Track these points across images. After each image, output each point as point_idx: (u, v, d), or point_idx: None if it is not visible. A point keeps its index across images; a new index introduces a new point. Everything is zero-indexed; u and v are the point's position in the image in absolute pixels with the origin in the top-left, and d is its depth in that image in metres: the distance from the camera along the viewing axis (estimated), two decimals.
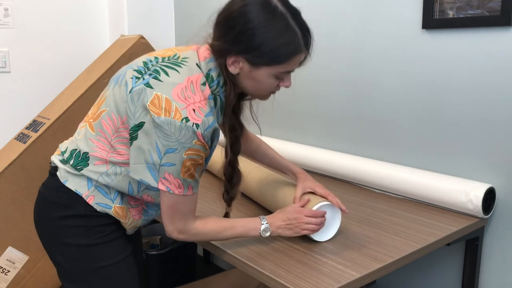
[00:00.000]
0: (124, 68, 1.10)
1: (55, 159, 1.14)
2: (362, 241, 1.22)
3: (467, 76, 1.44)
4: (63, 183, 1.09)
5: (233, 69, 1.03)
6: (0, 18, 2.36)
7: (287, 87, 1.07)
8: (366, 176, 1.62)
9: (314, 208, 1.17)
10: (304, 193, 1.24)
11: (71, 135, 1.98)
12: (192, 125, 0.95)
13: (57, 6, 2.52)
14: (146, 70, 1.02)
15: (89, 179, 1.09)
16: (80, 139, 1.10)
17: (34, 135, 1.95)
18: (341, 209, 1.21)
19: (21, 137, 2.02)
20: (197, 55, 1.05)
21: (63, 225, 1.09)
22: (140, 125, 0.98)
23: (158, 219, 1.45)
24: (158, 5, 2.64)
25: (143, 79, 1.00)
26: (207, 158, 1.07)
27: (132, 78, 1.02)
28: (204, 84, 1.02)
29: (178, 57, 1.04)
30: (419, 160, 1.60)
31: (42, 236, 1.15)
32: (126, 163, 1.06)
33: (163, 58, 1.04)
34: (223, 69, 1.04)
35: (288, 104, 2.06)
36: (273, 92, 1.09)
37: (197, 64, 1.03)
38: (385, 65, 1.66)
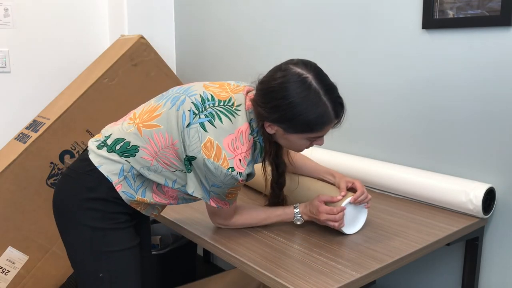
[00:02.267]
0: (180, 90, 1.19)
1: (92, 144, 1.21)
2: (362, 241, 1.22)
3: (467, 76, 1.44)
4: (97, 167, 1.15)
5: (269, 130, 1.14)
6: (0, 18, 2.36)
7: (320, 145, 1.19)
8: (366, 176, 1.62)
9: (343, 203, 1.23)
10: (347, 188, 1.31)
11: (71, 135, 1.99)
12: (236, 174, 1.09)
13: (57, 6, 2.52)
14: (203, 109, 1.12)
15: (122, 168, 1.16)
16: (130, 133, 1.17)
17: (34, 135, 1.94)
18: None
19: (21, 137, 2.02)
20: (245, 103, 1.16)
21: (83, 207, 1.16)
22: (194, 158, 1.10)
23: (158, 219, 1.45)
24: (158, 5, 2.64)
25: (199, 117, 1.11)
26: None
27: (189, 111, 1.12)
28: (251, 133, 1.14)
29: (233, 104, 1.14)
30: (419, 160, 1.60)
31: (58, 217, 1.22)
32: (169, 167, 1.16)
33: (219, 102, 1.14)
34: (260, 128, 1.16)
35: None
36: (307, 147, 1.19)
37: (245, 113, 1.14)
38: (385, 65, 1.66)
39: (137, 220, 1.25)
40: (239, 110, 1.13)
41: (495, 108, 1.39)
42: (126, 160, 1.16)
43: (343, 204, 1.22)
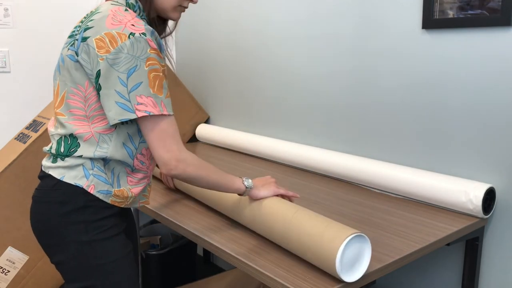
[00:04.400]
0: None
1: (46, 162, 1.16)
2: None
3: (467, 76, 1.44)
4: (60, 179, 1.09)
5: None
6: (0, 18, 2.36)
7: (194, 2, 1.18)
8: (366, 176, 1.62)
9: (348, 239, 0.99)
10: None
11: None
12: (140, 35, 1.03)
13: (57, 6, 2.52)
14: (76, 35, 1.09)
15: (85, 168, 1.10)
16: (58, 129, 1.13)
17: (34, 135, 1.95)
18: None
19: (21, 137, 2.02)
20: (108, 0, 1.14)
21: (62, 223, 1.09)
22: (98, 74, 1.03)
23: (157, 219, 1.45)
24: None
25: (76, 40, 1.07)
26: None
27: (69, 49, 1.09)
28: (126, 10, 1.09)
29: (92, 12, 1.11)
30: (419, 160, 1.60)
31: (42, 239, 1.15)
32: (109, 129, 1.10)
33: (83, 21, 1.11)
34: None
35: (288, 104, 2.06)
36: (183, 7, 1.18)
37: (111, 4, 1.11)
38: (385, 65, 1.66)
39: (127, 223, 1.18)
40: (101, 7, 1.10)
41: (495, 108, 1.39)
42: (80, 157, 1.09)
43: (352, 236, 1.00)
